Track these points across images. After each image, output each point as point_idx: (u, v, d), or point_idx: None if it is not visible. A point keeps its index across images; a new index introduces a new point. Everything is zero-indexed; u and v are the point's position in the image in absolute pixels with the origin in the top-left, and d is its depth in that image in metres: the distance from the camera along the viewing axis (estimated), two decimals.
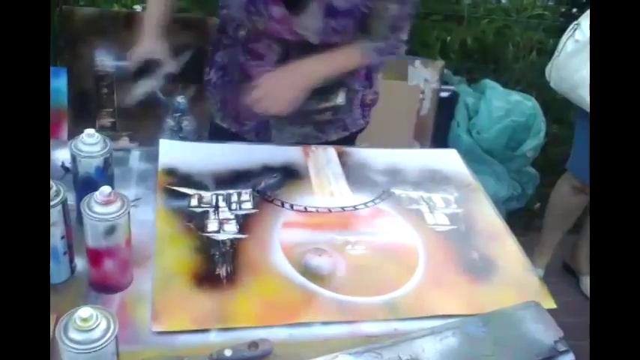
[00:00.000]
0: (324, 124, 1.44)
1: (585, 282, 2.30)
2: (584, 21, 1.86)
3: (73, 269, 1.00)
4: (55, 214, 0.93)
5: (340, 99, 1.37)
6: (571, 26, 1.91)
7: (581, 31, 1.85)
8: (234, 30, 1.34)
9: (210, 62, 1.44)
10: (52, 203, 0.92)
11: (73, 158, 1.04)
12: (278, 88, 1.23)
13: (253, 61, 1.33)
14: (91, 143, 1.03)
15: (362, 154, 1.41)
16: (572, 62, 1.86)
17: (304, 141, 1.43)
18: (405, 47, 1.32)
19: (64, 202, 0.94)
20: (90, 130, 1.04)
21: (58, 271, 0.98)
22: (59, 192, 0.93)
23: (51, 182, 0.93)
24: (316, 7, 1.20)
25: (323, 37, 1.24)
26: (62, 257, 0.97)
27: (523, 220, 2.50)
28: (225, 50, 1.40)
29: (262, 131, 1.44)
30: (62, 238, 0.95)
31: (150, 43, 1.26)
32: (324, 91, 1.33)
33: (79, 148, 1.03)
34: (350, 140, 1.50)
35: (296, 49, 1.27)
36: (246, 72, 1.35)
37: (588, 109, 1.83)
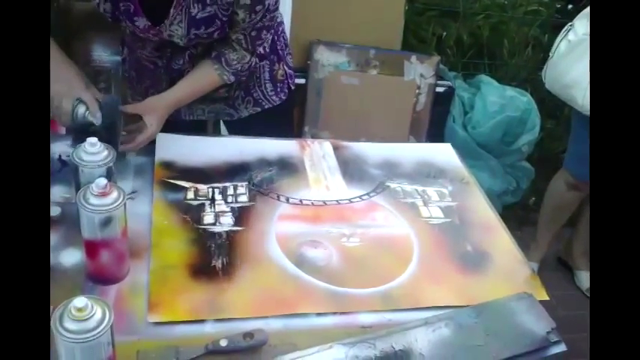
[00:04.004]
0: (232, 100, 1.46)
1: (580, 276, 2.31)
2: (578, 22, 1.87)
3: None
4: None
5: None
6: (565, 27, 1.92)
7: (574, 31, 1.86)
8: None
9: (122, 40, 1.46)
10: None
11: (76, 168, 1.03)
12: (150, 120, 1.25)
13: (136, 42, 1.35)
14: (93, 152, 1.02)
15: (358, 148, 1.42)
16: (563, 62, 1.87)
17: (217, 116, 1.50)
18: (256, 59, 1.34)
19: None
20: (92, 139, 1.03)
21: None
22: None
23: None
24: (177, 17, 1.21)
25: (189, 42, 1.26)
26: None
27: (518, 215, 2.52)
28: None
29: None
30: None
31: None
32: None
33: (82, 157, 1.02)
34: (266, 116, 1.50)
35: (168, 44, 1.30)
36: (134, 51, 1.38)
37: (579, 109, 1.85)
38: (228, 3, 1.20)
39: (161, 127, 1.27)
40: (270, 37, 1.35)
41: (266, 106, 1.50)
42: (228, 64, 1.30)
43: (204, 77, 1.33)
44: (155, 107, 1.27)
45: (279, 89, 1.50)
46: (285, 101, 1.53)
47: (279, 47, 1.47)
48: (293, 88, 1.55)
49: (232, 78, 1.33)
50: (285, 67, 1.50)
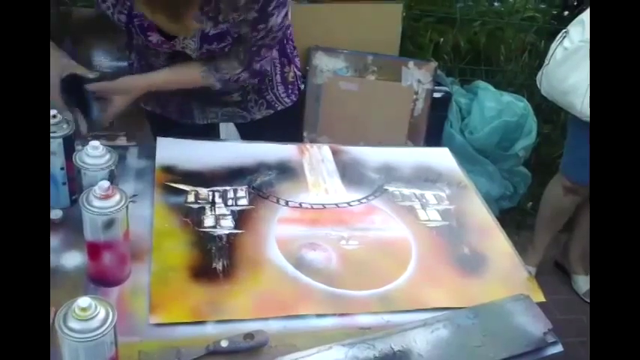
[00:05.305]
0: (245, 103, 1.47)
1: (577, 280, 2.32)
2: (573, 28, 1.89)
3: (73, 201, 1.09)
4: (55, 145, 1.01)
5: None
6: (560, 34, 1.94)
7: (569, 38, 1.87)
8: None
9: (130, 46, 1.46)
10: (52, 135, 1.01)
11: (78, 171, 1.04)
12: (115, 96, 1.27)
13: (149, 50, 1.35)
14: (95, 155, 1.04)
15: (356, 152, 1.43)
16: (560, 70, 1.89)
17: (230, 120, 1.52)
18: (252, 78, 1.35)
19: (65, 137, 1.04)
20: (95, 143, 1.04)
21: (56, 197, 1.07)
22: (61, 127, 1.04)
23: (55, 112, 1.04)
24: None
25: (201, 55, 1.28)
26: (61, 186, 1.07)
27: (516, 219, 2.53)
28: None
29: (185, 112, 1.47)
30: (62, 169, 1.05)
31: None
32: None
33: (84, 160, 1.04)
34: (279, 118, 1.52)
35: (181, 54, 1.30)
36: (147, 58, 1.39)
37: (579, 115, 1.86)
38: (240, 21, 1.22)
39: (128, 105, 1.28)
40: (271, 56, 1.35)
41: (279, 108, 1.51)
42: (217, 69, 1.30)
43: (185, 73, 1.32)
44: (126, 89, 1.29)
45: (290, 91, 1.52)
46: (295, 102, 1.55)
47: (288, 50, 1.49)
48: (302, 88, 1.57)
49: (218, 85, 1.32)
50: (294, 69, 1.52)
